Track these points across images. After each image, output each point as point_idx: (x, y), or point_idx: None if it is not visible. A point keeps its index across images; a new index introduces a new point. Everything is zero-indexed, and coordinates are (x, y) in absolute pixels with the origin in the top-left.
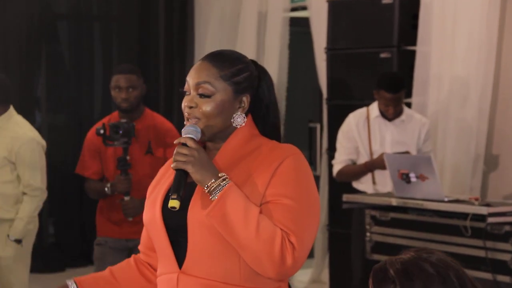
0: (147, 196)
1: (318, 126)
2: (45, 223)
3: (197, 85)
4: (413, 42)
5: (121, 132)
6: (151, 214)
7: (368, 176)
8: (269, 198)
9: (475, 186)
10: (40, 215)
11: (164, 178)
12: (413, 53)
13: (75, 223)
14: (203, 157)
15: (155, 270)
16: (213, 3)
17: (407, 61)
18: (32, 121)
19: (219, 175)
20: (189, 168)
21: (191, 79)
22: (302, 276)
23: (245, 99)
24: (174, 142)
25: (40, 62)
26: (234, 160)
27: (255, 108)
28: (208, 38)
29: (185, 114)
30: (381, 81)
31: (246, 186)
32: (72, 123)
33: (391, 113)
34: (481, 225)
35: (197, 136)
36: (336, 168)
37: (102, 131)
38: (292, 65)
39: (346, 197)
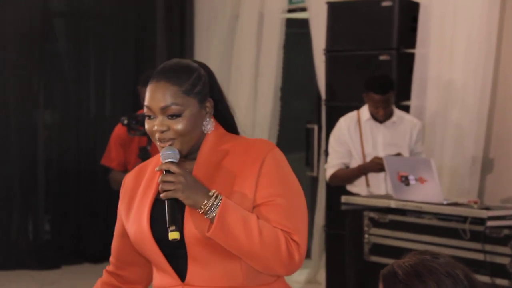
0: (122, 208)
1: (315, 127)
2: (41, 220)
3: (163, 109)
4: (412, 44)
5: (135, 122)
6: (138, 229)
7: (362, 179)
8: (260, 200)
9: (472, 189)
10: (36, 212)
11: (141, 186)
12: (412, 56)
13: (71, 221)
14: (190, 180)
15: (128, 282)
16: (213, 2)
17: (406, 63)
18: (29, 119)
19: (209, 193)
20: (180, 196)
21: (153, 104)
22: (298, 277)
23: (209, 104)
24: (156, 170)
25: (37, 59)
26: (213, 167)
27: (214, 109)
28: (207, 38)
29: (156, 137)
30: (369, 83)
31: (235, 193)
32: (68, 120)
33: (381, 115)
34: (480, 228)
35: (177, 157)
36: (329, 172)
37: (125, 122)
38: (290, 66)
39: (344, 198)
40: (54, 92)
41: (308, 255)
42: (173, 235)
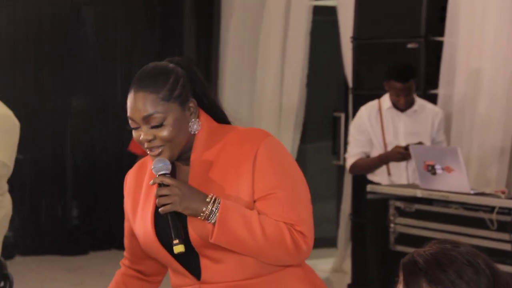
0: (127, 209)
1: (342, 115)
2: (69, 206)
3: (145, 119)
4: (441, 32)
5: None
6: (145, 235)
7: (383, 168)
8: (259, 195)
9: (500, 179)
10: (65, 198)
11: (143, 187)
12: (440, 44)
13: (98, 207)
14: (185, 190)
15: (146, 274)
16: None
17: (435, 52)
18: (57, 105)
19: (207, 199)
20: (178, 208)
21: (135, 116)
22: (324, 265)
23: (192, 104)
24: (150, 184)
25: (65, 46)
26: (209, 167)
27: (200, 103)
28: (234, 24)
29: (145, 146)
30: (390, 71)
31: (233, 192)
32: (96, 107)
33: (402, 103)
34: (507, 218)
35: (168, 168)
36: (349, 162)
37: None
38: (317, 53)
39: (370, 187)
40: (82, 79)
41: (334, 244)
42: (178, 249)
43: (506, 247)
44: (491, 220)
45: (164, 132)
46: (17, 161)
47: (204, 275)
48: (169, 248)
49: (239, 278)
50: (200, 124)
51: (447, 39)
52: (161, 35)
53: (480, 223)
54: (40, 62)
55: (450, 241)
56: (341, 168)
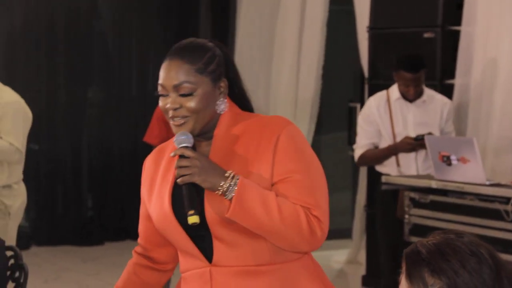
0: (144, 192)
1: (358, 106)
2: (84, 197)
3: (176, 87)
4: (458, 22)
5: None
6: (161, 213)
7: (392, 159)
8: (278, 178)
9: None
10: (80, 189)
11: (161, 169)
12: (457, 34)
13: (113, 198)
14: (205, 163)
15: (158, 262)
16: None
17: (451, 41)
18: (74, 97)
19: (226, 174)
20: (196, 179)
21: (166, 82)
22: (339, 256)
23: (223, 84)
24: (171, 155)
25: (82, 38)
26: (230, 147)
27: (230, 92)
28: (250, 14)
29: (169, 114)
30: (400, 61)
31: (253, 172)
32: (111, 100)
33: (411, 93)
34: None
35: (191, 141)
36: (357, 153)
37: None
38: (333, 43)
39: (385, 178)
40: (98, 71)
41: (349, 235)
42: (192, 219)
43: None
44: (506, 211)
45: (192, 103)
46: (33, 152)
47: (216, 257)
48: (184, 225)
49: (250, 264)
50: (227, 105)
51: (464, 28)
52: (177, 28)
53: (496, 214)
54: (56, 54)
55: (454, 231)
56: None
